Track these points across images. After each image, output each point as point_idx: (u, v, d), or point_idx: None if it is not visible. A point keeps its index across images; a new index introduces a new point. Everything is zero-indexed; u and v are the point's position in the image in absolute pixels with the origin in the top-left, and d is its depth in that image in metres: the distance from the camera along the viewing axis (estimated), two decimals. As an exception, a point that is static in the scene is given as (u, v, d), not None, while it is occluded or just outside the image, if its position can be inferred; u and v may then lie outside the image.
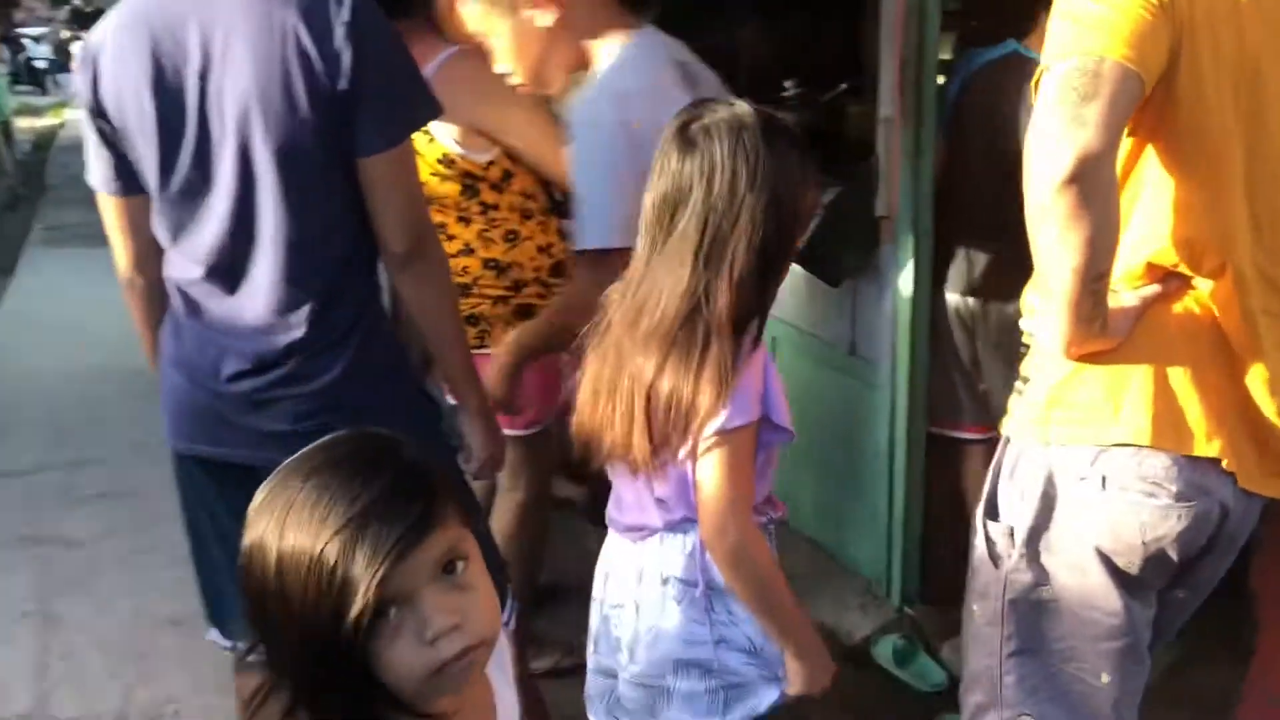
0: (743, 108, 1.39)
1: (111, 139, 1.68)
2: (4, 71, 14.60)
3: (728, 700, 1.46)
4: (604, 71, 1.86)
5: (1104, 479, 1.40)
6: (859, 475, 2.87)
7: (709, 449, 1.37)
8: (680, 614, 1.46)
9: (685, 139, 1.38)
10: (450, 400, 1.94)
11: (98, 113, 1.66)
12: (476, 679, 0.99)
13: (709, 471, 1.38)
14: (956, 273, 2.61)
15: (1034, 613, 1.48)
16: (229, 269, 1.67)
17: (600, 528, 1.62)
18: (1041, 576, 1.47)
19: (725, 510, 1.38)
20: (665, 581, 1.48)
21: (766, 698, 1.47)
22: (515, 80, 1.95)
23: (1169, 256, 1.37)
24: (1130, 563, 1.42)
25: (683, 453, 1.39)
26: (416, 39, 1.93)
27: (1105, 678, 1.47)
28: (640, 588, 1.50)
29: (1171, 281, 1.41)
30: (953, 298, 2.63)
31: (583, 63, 1.90)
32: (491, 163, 2.25)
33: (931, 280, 2.61)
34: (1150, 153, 1.36)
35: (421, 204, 1.76)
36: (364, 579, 0.86)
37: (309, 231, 1.65)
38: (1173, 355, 1.39)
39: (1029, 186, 1.28)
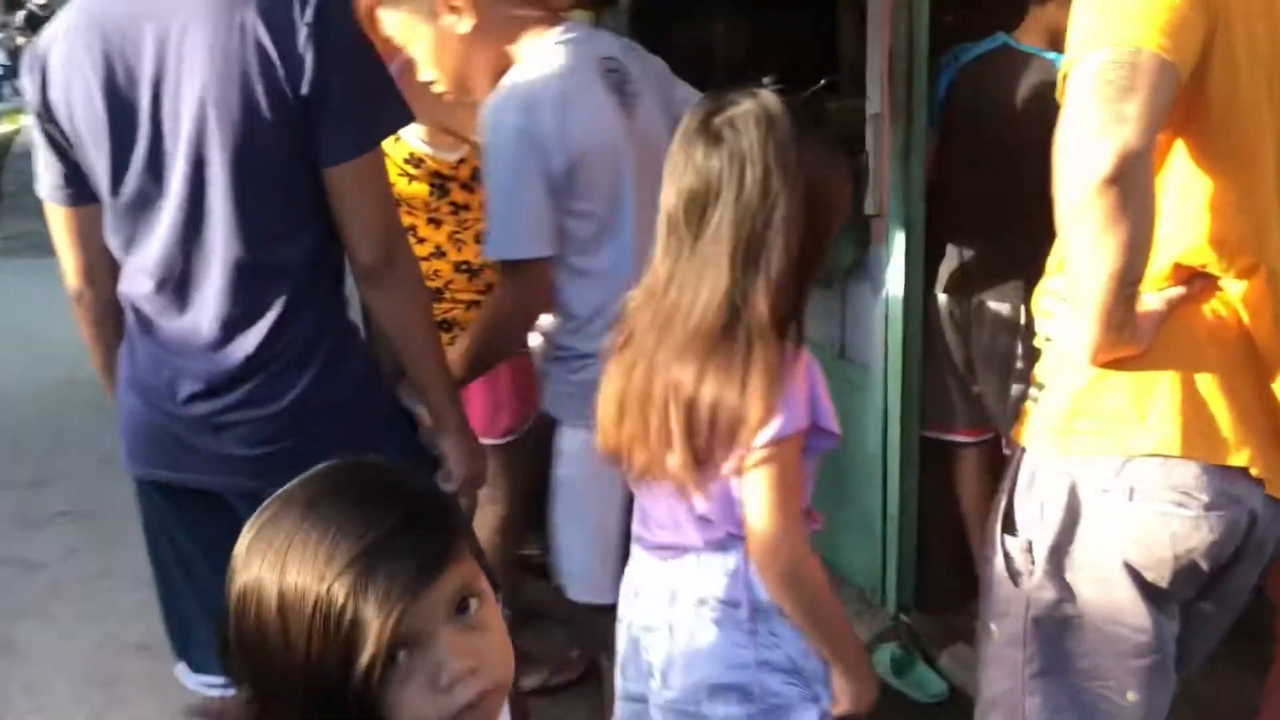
0: (769, 97, 1.31)
1: (61, 145, 1.59)
2: (-43, 77, 14.33)
3: None
4: (513, 75, 1.81)
5: (1131, 490, 1.34)
6: (851, 481, 2.80)
7: (759, 462, 1.29)
8: (720, 636, 1.39)
9: (709, 132, 1.30)
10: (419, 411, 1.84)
11: (47, 117, 1.57)
12: None
13: (759, 485, 1.30)
14: (949, 272, 2.56)
15: (1058, 631, 1.42)
16: (179, 283, 1.58)
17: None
18: (1065, 593, 1.40)
19: (779, 526, 1.31)
20: (703, 602, 1.40)
21: (806, 718, 1.41)
22: (439, 88, 1.90)
23: (1197, 257, 1.31)
24: (1160, 576, 1.36)
25: (727, 466, 1.31)
26: None
27: (1132, 696, 1.41)
28: (674, 608, 1.43)
29: (1196, 283, 1.35)
30: (945, 298, 2.58)
31: (506, 66, 1.85)
32: (461, 160, 2.18)
33: (923, 280, 2.55)
34: (1179, 149, 1.30)
35: (393, 213, 1.66)
36: (376, 621, 0.78)
37: (264, 242, 1.55)
38: (1200, 360, 1.33)
39: (1061, 187, 1.22)
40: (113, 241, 1.62)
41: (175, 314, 1.60)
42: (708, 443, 1.30)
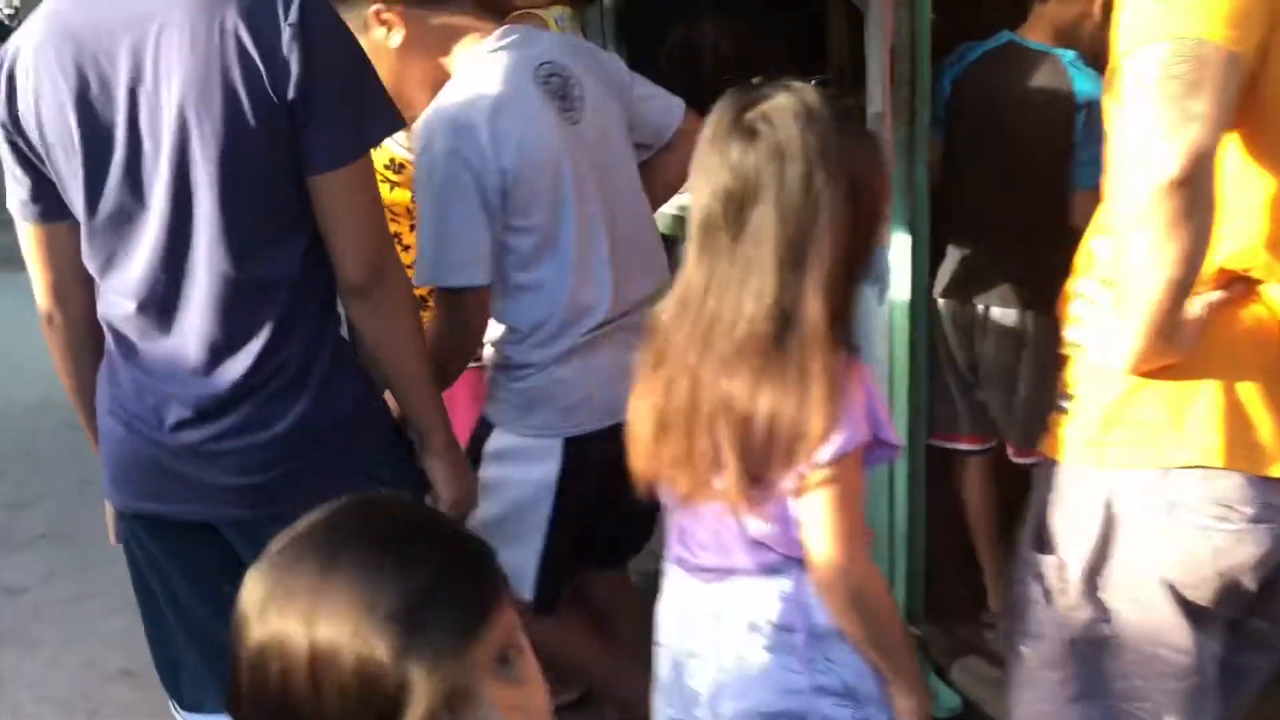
0: (804, 89, 1.23)
1: (30, 159, 1.49)
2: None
3: None
4: (446, 91, 1.76)
5: (1170, 504, 1.27)
6: (855, 490, 2.74)
7: (821, 482, 1.22)
8: (774, 661, 1.32)
9: (743, 128, 1.21)
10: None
11: (14, 130, 1.47)
12: None
13: (821, 506, 1.23)
14: (953, 276, 2.50)
15: (1095, 652, 1.36)
16: (163, 303, 1.49)
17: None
18: (1101, 612, 1.34)
19: (844, 548, 1.24)
20: (755, 628, 1.33)
21: None
22: None
23: (1245, 260, 1.25)
24: (1202, 594, 1.30)
25: (785, 485, 1.23)
26: None
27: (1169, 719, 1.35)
28: (720, 633, 1.35)
29: (1237, 286, 1.28)
30: (949, 302, 2.52)
31: (444, 79, 1.79)
32: None
33: (928, 284, 2.48)
34: (1230, 146, 1.23)
35: (382, 227, 1.57)
36: (424, 682, 0.72)
37: (253, 257, 1.46)
38: (1242, 367, 1.27)
39: (1119, 189, 1.16)
40: (90, 263, 1.53)
41: (159, 336, 1.50)
42: (763, 461, 1.23)
